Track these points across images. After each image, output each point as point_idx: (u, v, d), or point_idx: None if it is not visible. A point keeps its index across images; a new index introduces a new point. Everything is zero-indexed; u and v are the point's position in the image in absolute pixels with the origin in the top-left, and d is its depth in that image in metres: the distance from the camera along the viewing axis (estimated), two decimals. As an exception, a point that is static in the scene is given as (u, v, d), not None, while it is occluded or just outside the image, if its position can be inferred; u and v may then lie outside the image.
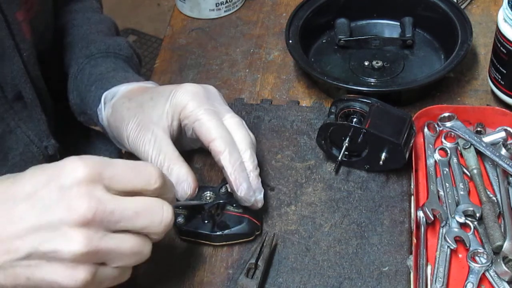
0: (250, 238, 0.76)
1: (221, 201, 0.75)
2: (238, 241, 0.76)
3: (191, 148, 0.84)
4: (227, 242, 0.76)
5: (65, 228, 0.56)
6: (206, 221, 0.76)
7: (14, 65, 0.77)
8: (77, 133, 1.02)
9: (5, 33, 0.75)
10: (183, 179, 0.73)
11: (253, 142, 0.78)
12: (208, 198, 0.76)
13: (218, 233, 0.75)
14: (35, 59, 0.81)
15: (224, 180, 0.76)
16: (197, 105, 0.75)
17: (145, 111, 0.77)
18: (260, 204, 0.75)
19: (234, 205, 0.76)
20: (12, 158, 0.81)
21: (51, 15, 0.91)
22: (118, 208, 0.58)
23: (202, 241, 0.77)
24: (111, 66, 0.87)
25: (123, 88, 0.82)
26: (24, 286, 0.58)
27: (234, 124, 0.76)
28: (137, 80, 0.84)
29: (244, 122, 0.78)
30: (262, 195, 0.75)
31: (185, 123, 0.76)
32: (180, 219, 0.75)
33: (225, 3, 1.09)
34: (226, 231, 0.75)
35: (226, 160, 0.73)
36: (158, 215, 0.60)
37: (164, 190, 0.62)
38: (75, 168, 0.57)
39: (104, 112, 0.82)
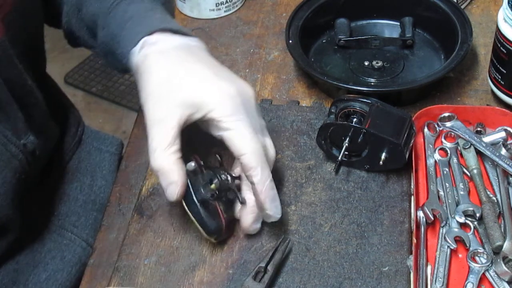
0: None
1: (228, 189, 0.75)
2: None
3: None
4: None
5: None
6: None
7: None
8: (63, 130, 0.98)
9: None
10: (172, 180, 0.71)
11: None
12: (213, 187, 0.74)
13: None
14: (11, 57, 0.77)
15: (223, 166, 0.77)
16: (230, 113, 0.71)
17: (172, 88, 0.73)
18: (279, 216, 0.74)
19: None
20: None
21: (38, 9, 0.85)
22: None
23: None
24: (148, 6, 0.81)
25: (168, 42, 0.76)
26: None
27: (267, 139, 0.75)
28: (178, 29, 0.78)
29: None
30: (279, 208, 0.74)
31: (209, 124, 0.73)
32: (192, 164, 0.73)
33: (225, 3, 1.09)
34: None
35: (257, 177, 0.70)
36: None
37: None
38: None
39: (137, 57, 0.76)
